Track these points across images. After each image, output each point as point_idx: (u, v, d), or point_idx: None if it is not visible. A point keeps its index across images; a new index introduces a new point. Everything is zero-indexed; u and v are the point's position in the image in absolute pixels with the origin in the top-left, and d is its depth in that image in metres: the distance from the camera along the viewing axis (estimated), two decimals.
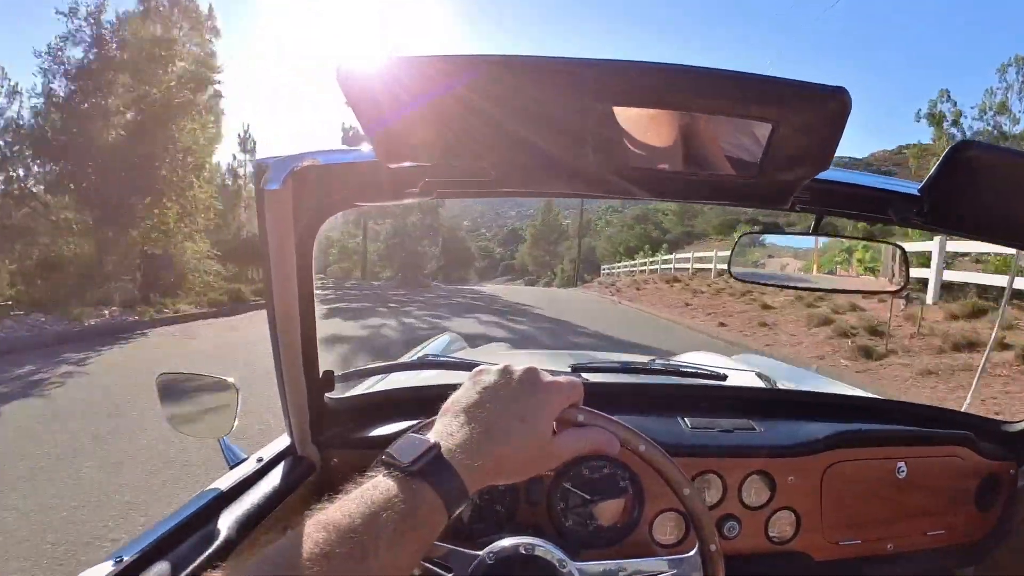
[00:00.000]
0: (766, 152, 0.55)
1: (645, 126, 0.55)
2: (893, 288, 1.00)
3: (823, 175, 0.76)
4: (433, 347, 2.13)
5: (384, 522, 0.43)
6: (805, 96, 0.51)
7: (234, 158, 27.56)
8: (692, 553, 0.71)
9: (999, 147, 0.67)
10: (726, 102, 0.52)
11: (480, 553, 0.71)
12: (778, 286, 1.08)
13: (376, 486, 0.46)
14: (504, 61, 0.50)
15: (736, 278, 1.02)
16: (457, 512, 0.48)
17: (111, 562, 0.65)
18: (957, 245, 8.96)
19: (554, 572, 0.70)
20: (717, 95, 0.52)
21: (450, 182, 0.71)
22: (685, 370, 1.35)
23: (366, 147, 0.74)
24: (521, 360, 1.51)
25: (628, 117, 0.54)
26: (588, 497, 0.95)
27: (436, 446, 0.49)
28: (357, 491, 0.46)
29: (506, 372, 0.57)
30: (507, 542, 0.72)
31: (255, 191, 0.71)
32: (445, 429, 0.52)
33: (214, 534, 0.73)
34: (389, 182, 0.73)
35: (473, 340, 2.63)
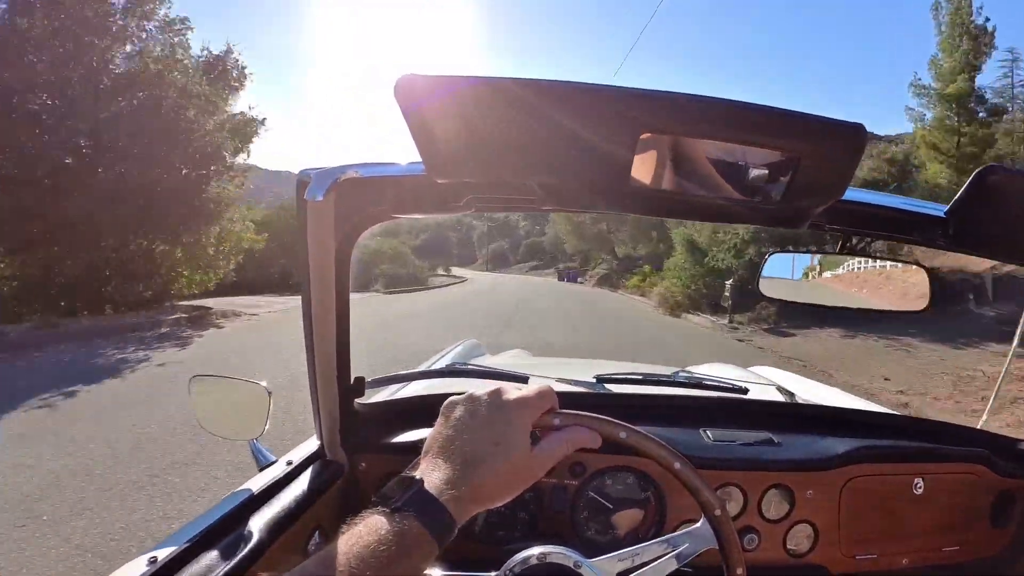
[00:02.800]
0: (788, 180, 0.58)
1: (678, 151, 0.58)
2: (919, 307, 1.00)
3: (851, 196, 0.78)
4: (455, 353, 2.15)
5: (371, 555, 0.46)
6: (827, 131, 0.54)
7: None
8: (700, 524, 0.71)
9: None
10: (755, 134, 0.55)
11: (496, 573, 0.72)
12: (807, 304, 1.08)
13: (366, 523, 0.49)
14: (556, 86, 0.53)
15: (765, 296, 1.03)
16: (447, 542, 0.51)
17: (145, 561, 0.67)
18: None
19: (569, 574, 0.71)
20: (747, 127, 0.55)
21: (495, 199, 0.73)
22: (707, 383, 1.36)
23: (404, 161, 0.76)
24: (545, 369, 1.52)
25: (663, 142, 0.57)
26: (610, 506, 0.97)
27: (419, 482, 0.52)
28: (350, 529, 0.49)
29: (472, 400, 0.58)
30: (521, 555, 0.73)
31: (297, 202, 0.73)
32: (428, 466, 0.54)
33: (246, 536, 0.75)
34: (431, 196, 0.75)
35: (494, 347, 2.64)
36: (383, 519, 0.49)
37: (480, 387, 0.60)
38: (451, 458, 0.54)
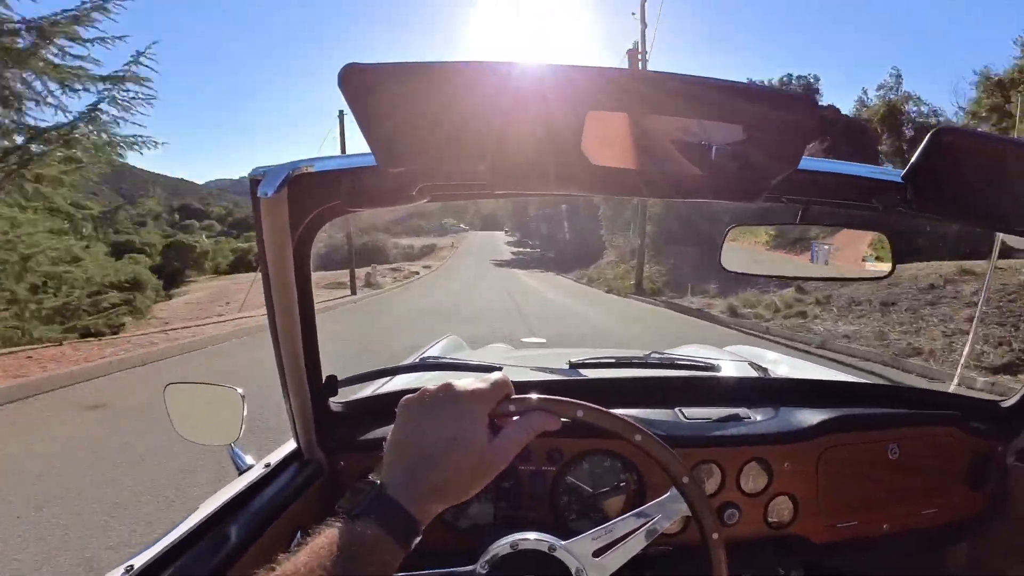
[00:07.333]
0: (740, 154, 0.58)
1: (628, 128, 0.58)
2: (882, 274, 1.02)
3: (808, 166, 0.79)
4: (435, 349, 2.15)
5: (331, 565, 0.45)
6: (776, 103, 0.55)
7: None
8: (670, 493, 0.71)
9: (978, 132, 0.71)
10: (704, 108, 0.55)
11: (474, 566, 0.72)
12: (771, 277, 1.09)
13: (327, 533, 0.48)
14: (499, 67, 0.52)
15: (728, 271, 1.04)
16: (413, 543, 0.51)
17: (121, 571, 0.66)
18: None
19: (546, 559, 0.71)
20: (694, 101, 0.55)
21: (446, 186, 0.72)
22: (680, 362, 1.37)
23: (359, 153, 0.75)
24: (520, 359, 1.52)
25: (613, 120, 0.57)
26: (590, 490, 0.97)
27: (378, 486, 0.52)
28: (313, 540, 0.48)
29: (425, 397, 0.57)
30: (496, 545, 0.73)
31: (252, 200, 0.72)
32: (387, 469, 0.54)
33: (224, 541, 0.75)
34: (384, 187, 0.74)
35: (473, 342, 2.61)
36: (344, 527, 0.48)
37: (433, 383, 0.59)
38: (409, 458, 0.54)
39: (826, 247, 1.07)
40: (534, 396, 0.60)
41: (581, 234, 32.13)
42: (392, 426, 0.58)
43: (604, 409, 0.62)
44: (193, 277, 31.11)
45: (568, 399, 0.61)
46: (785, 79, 24.09)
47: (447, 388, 0.57)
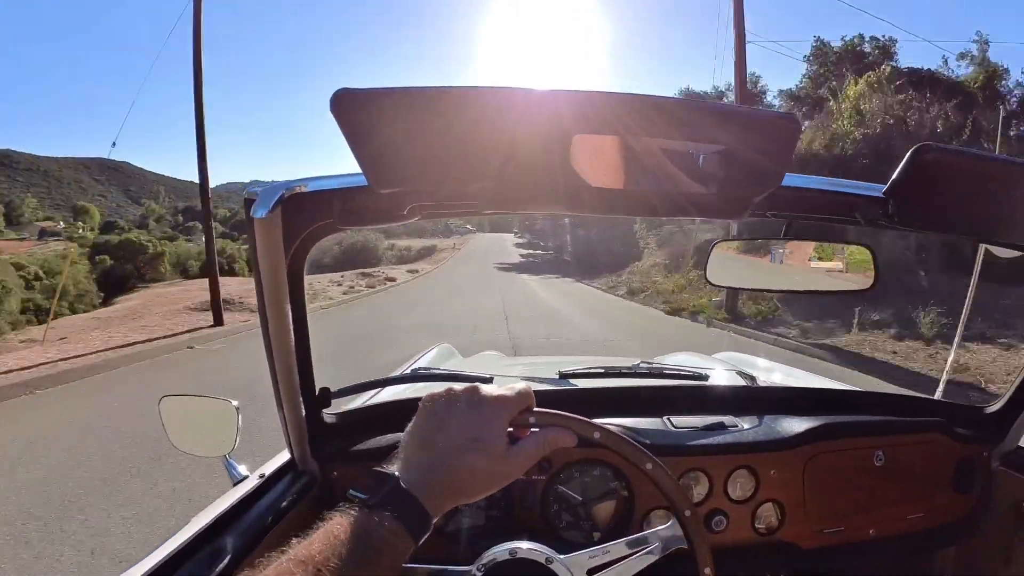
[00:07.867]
0: (723, 171, 0.60)
1: (614, 149, 0.59)
2: (864, 287, 1.04)
3: (791, 182, 0.81)
4: (427, 359, 2.16)
5: (347, 554, 0.46)
6: (758, 122, 0.56)
7: None
8: (670, 524, 0.73)
9: (957, 148, 0.73)
10: (686, 128, 0.57)
11: (470, 567, 0.74)
12: (755, 290, 1.11)
13: (339, 521, 0.49)
14: (487, 92, 0.54)
15: (714, 286, 1.06)
16: (423, 538, 0.52)
17: None
18: None
19: (541, 569, 0.72)
20: (678, 123, 0.57)
21: (437, 205, 0.74)
22: (668, 372, 1.39)
23: (351, 172, 0.77)
24: (511, 369, 1.53)
25: (598, 141, 0.59)
26: (580, 498, 0.98)
27: (395, 478, 0.53)
28: (323, 527, 0.49)
29: (451, 395, 0.58)
30: (494, 550, 0.74)
31: (246, 220, 0.73)
32: (404, 463, 0.55)
33: (220, 552, 0.75)
34: (377, 206, 0.75)
35: (465, 351, 2.64)
36: (360, 517, 0.49)
37: (459, 384, 0.60)
38: (428, 453, 0.55)
39: (781, 251, 1.12)
40: (554, 412, 0.61)
41: (605, 231, 24.85)
42: (407, 426, 0.58)
43: (620, 434, 0.64)
44: (162, 280, 26.50)
45: (587, 419, 0.62)
46: (856, 39, 20.25)
47: (474, 390, 0.58)
